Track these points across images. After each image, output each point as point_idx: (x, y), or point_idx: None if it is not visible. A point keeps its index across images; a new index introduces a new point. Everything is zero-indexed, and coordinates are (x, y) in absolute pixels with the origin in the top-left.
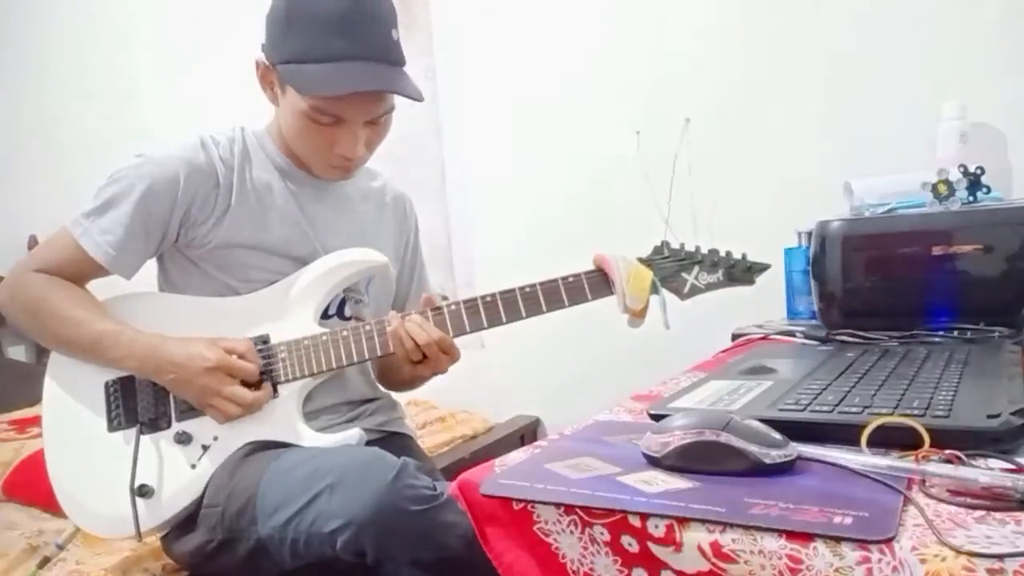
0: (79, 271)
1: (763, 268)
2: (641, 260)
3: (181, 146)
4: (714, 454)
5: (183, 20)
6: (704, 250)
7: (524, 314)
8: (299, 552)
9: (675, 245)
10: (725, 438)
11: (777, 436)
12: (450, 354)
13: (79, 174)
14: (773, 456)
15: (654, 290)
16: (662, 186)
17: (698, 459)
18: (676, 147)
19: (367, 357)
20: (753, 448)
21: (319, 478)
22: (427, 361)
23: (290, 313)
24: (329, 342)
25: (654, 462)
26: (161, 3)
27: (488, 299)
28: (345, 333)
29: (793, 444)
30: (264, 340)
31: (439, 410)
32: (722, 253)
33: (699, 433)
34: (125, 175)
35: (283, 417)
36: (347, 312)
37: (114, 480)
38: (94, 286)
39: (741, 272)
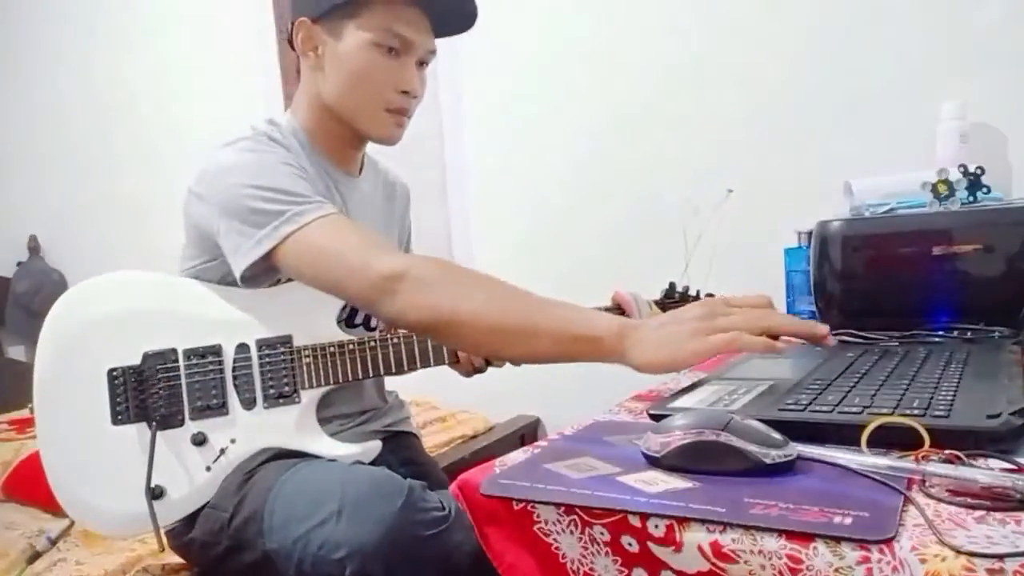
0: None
1: None
2: (657, 303)
3: (253, 137)
4: (714, 454)
5: (183, 21)
6: (703, 294)
7: None
8: (305, 572)
9: (679, 286)
10: (725, 438)
11: (777, 436)
12: None
13: (79, 174)
14: (773, 456)
15: None
16: (663, 189)
17: (698, 459)
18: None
19: (394, 372)
20: (753, 448)
21: (326, 501)
22: None
23: (313, 314)
24: (356, 351)
25: (654, 462)
26: (163, 6)
27: None
28: (373, 344)
29: (793, 444)
30: (285, 341)
31: (439, 410)
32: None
33: (699, 433)
34: (250, 165)
35: (302, 423)
36: (373, 323)
37: (124, 477)
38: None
39: None
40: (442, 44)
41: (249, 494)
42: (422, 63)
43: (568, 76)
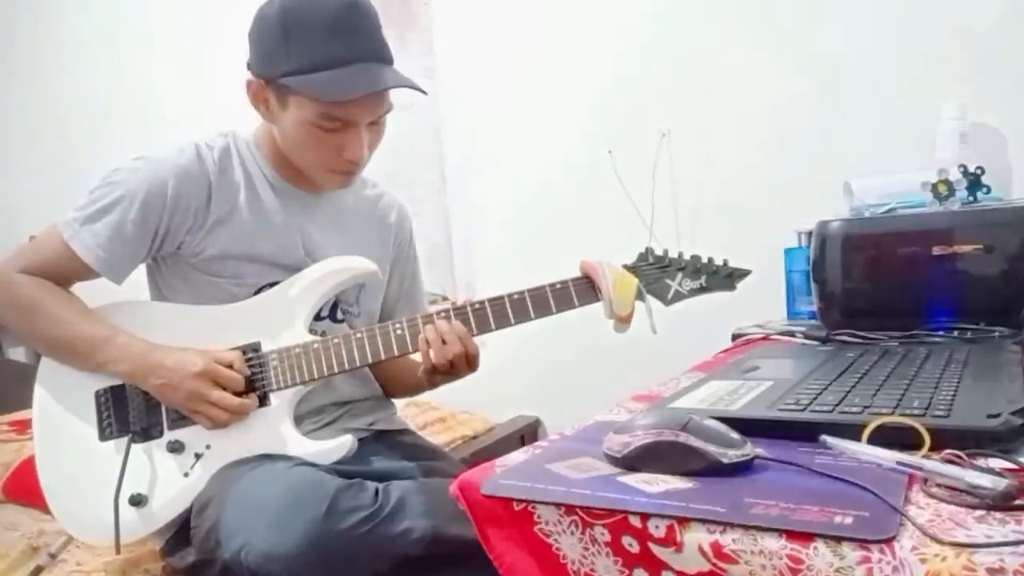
0: (67, 273)
1: (744, 274)
2: (626, 267)
3: (176, 152)
4: (673, 454)
5: (186, 22)
6: (687, 256)
7: (513, 321)
8: None
9: (659, 252)
10: (684, 438)
11: (735, 436)
12: (470, 362)
13: (79, 174)
14: (731, 456)
15: (639, 296)
16: (661, 190)
17: (658, 459)
18: (657, 157)
19: (358, 364)
20: (711, 448)
21: (262, 508)
22: (452, 369)
23: (281, 321)
24: (320, 349)
25: (615, 462)
26: (162, 5)
27: (477, 306)
28: (336, 340)
29: (751, 444)
30: (255, 348)
31: (439, 411)
32: (704, 259)
33: (659, 433)
34: (120, 180)
35: (274, 426)
36: (339, 315)
37: (106, 489)
38: (84, 293)
39: (722, 278)
40: (441, 43)
41: (208, 505)
42: (374, 123)
43: (569, 72)
